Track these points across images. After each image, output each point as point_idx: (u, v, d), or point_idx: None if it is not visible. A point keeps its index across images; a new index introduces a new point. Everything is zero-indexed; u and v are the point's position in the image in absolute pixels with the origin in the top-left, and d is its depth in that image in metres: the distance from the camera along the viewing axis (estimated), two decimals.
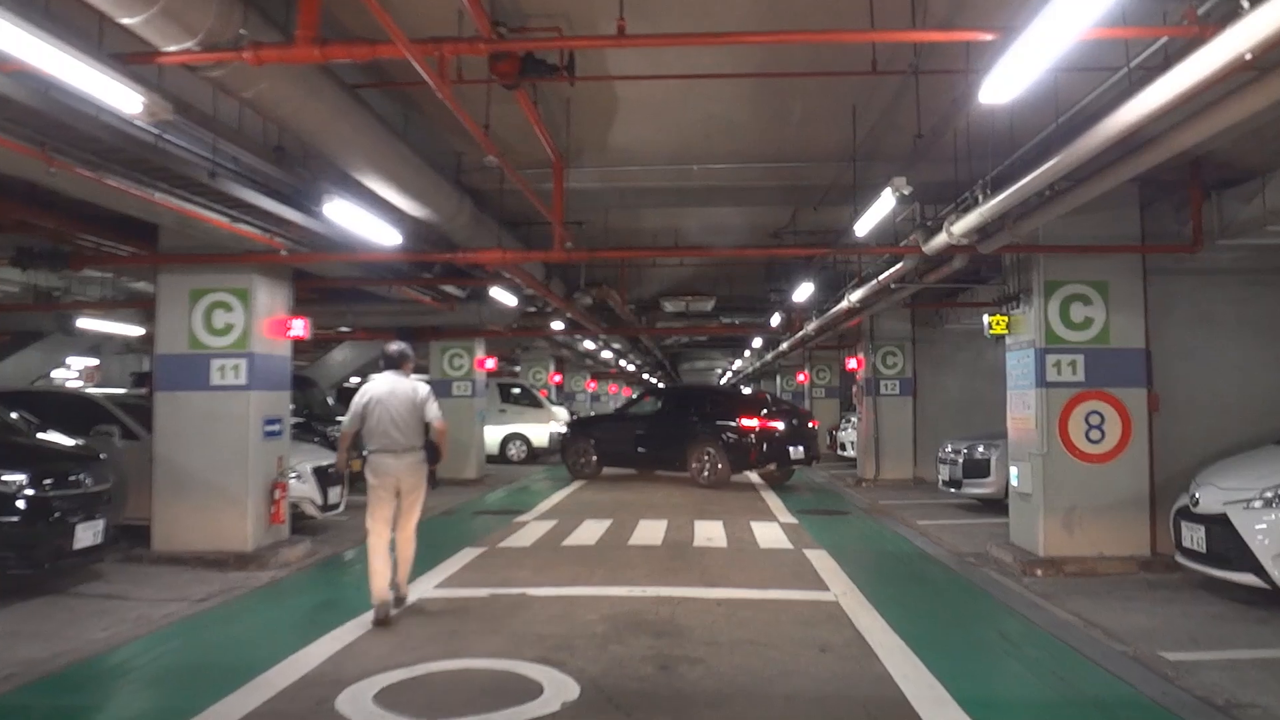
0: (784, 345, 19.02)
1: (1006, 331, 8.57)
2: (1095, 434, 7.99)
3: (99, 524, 7.23)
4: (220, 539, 8.26)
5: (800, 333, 15.60)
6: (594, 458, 16.70)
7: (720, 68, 6.20)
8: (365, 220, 6.47)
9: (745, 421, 14.92)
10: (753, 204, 9.36)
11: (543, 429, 21.43)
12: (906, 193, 6.07)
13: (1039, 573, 7.76)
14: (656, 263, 13.12)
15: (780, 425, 15.06)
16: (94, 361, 20.69)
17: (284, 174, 6.23)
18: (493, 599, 6.94)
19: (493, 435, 21.05)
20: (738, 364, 35.52)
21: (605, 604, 6.65)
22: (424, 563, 8.21)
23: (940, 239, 7.02)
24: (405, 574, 6.57)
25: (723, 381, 56.17)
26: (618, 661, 5.24)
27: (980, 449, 11.70)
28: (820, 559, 8.50)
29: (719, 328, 19.40)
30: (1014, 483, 8.40)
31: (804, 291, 12.17)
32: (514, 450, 21.39)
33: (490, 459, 20.60)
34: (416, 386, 6.45)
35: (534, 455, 21.41)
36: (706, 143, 8.02)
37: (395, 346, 6.65)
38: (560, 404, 27.58)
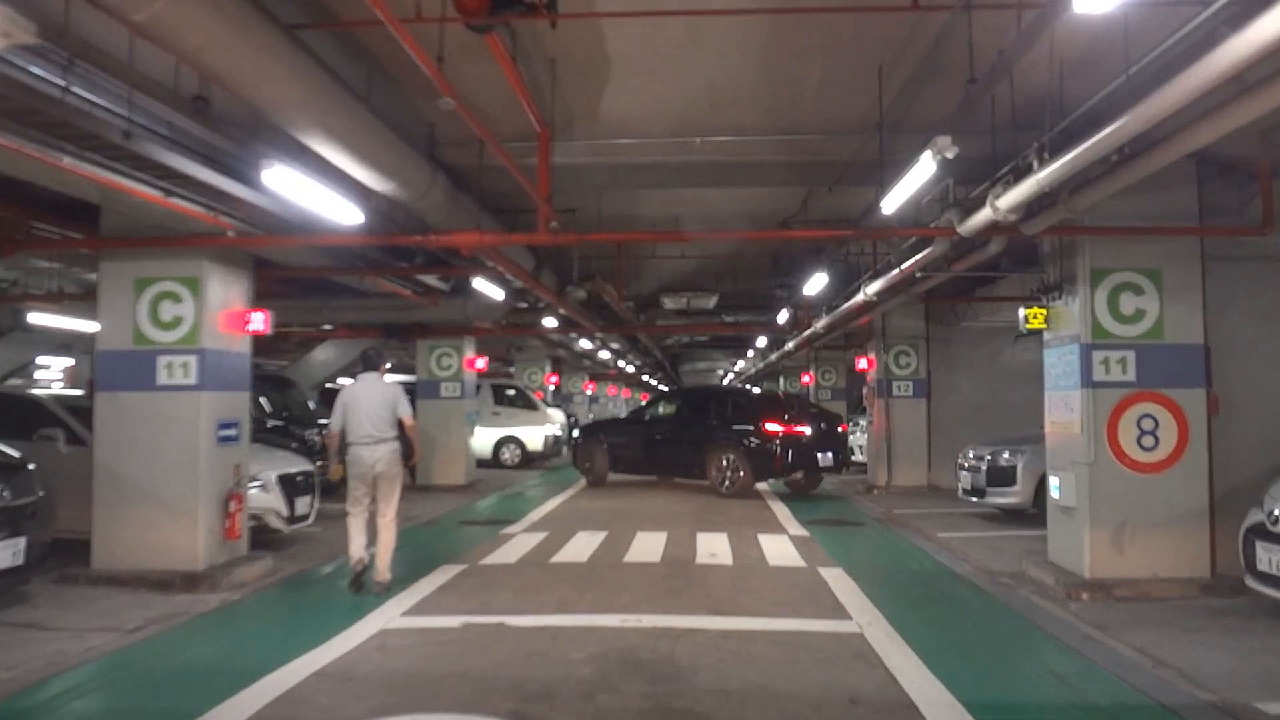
0: (790, 345, 18.13)
1: (1045, 326, 7.69)
2: (1148, 440, 7.10)
3: (19, 542, 6.34)
4: (167, 557, 7.38)
5: (808, 331, 14.71)
6: (607, 463, 15.64)
7: (732, 2, 5.28)
8: (317, 193, 5.59)
9: (769, 425, 13.68)
10: (761, 184, 8.45)
11: (537, 432, 20.57)
12: (950, 155, 5.17)
13: (1085, 597, 6.88)
14: (655, 253, 12.24)
15: (807, 429, 13.87)
16: (71, 361, 19.82)
17: (210, 133, 5.35)
18: (466, 630, 6.04)
19: (486, 439, 20.24)
20: (740, 365, 34.58)
21: (595, 638, 5.76)
22: (397, 582, 7.37)
23: (981, 216, 6.11)
24: (385, 561, 7.30)
25: (725, 384, 55.35)
26: (606, 717, 4.36)
27: (1005, 455, 10.81)
28: (838, 579, 7.61)
29: (721, 326, 18.49)
30: (1054, 495, 7.51)
31: (815, 283, 11.23)
32: (507, 454, 20.53)
33: (483, 464, 19.81)
34: (390, 386, 7.32)
35: (528, 460, 20.57)
36: (710, 113, 7.13)
37: (371, 350, 7.61)
38: (557, 406, 26.76)
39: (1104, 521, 7.07)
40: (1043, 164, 5.16)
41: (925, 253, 8.10)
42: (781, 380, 31.24)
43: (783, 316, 14.62)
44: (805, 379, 24.39)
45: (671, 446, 14.85)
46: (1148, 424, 7.10)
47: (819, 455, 13.93)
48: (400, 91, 6.52)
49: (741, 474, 13.71)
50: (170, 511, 7.40)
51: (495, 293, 10.37)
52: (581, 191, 9.04)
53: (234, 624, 6.44)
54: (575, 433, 17.07)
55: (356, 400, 7.15)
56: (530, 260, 10.25)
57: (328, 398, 16.68)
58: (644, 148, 7.06)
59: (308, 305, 11.95)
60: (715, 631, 5.92)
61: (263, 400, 13.42)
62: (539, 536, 10.02)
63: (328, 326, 15.01)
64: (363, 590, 7.07)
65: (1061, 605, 6.80)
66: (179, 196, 5.73)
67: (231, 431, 7.93)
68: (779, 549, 9.22)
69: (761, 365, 27.90)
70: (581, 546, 9.30)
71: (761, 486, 14.73)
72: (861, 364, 15.83)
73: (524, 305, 12.57)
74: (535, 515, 12.01)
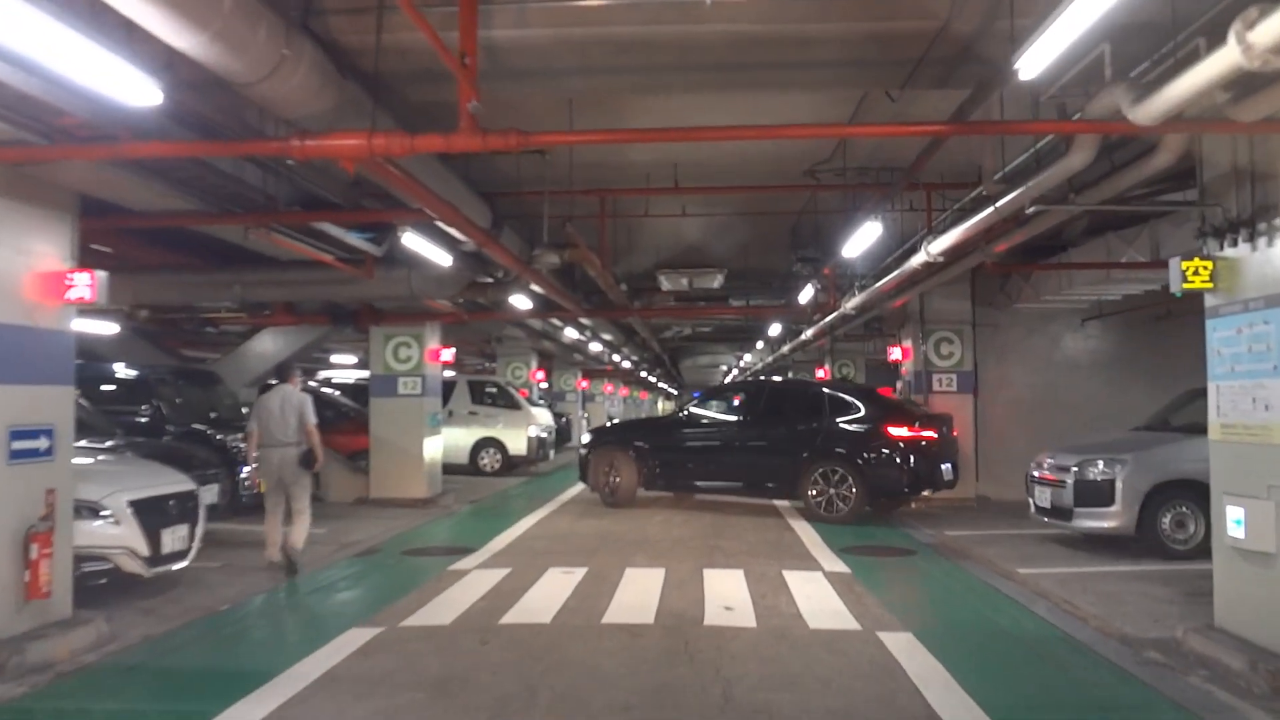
0: (808, 332, 15.71)
1: (1211, 286, 5.27)
2: None
3: None
4: None
5: (834, 314, 12.27)
6: (637, 478, 12.02)
7: None
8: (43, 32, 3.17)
9: (894, 429, 10.62)
10: (798, 84, 5.95)
11: (520, 433, 18.18)
12: None
13: None
14: (649, 209, 9.84)
15: (935, 434, 10.80)
16: None
17: None
18: None
19: (461, 442, 17.95)
20: (748, 358, 32.04)
21: None
22: (279, 652, 5.04)
23: (1184, 86, 3.59)
24: (297, 540, 7.81)
25: (728, 380, 52.67)
26: None
27: (1099, 466, 8.41)
28: (912, 655, 5.22)
29: (730, 310, 15.95)
30: (1234, 533, 5.10)
31: (865, 236, 8.43)
32: (486, 459, 18.17)
33: (459, 469, 17.49)
34: (297, 394, 8.00)
35: (510, 465, 18.20)
36: None
37: (284, 363, 9.17)
38: (545, 403, 24.39)
39: None
40: None
41: (1051, 171, 5.42)
42: (789, 376, 28.81)
43: (806, 295, 12.13)
44: (820, 374, 21.98)
45: (744, 455, 11.53)
46: None
47: (943, 468, 10.87)
48: None
49: (854, 492, 10.61)
50: None
51: (438, 256, 7.96)
52: (544, 101, 6.66)
53: None
54: (585, 439, 13.08)
55: (267, 407, 7.91)
56: (485, 214, 7.86)
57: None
58: (630, 10, 4.63)
59: (216, 281, 9.57)
60: None
61: (162, 401, 11.02)
62: (497, 575, 7.63)
63: (240, 310, 12.60)
64: (297, 574, 7.60)
65: (1266, 707, 4.41)
66: None
67: (39, 443, 5.53)
68: (816, 596, 6.82)
69: (770, 359, 25.47)
70: (549, 593, 6.91)
71: (779, 501, 12.26)
72: (895, 354, 13.42)
73: (489, 280, 10.19)
74: (502, 540, 9.62)
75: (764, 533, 10.08)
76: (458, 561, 8.34)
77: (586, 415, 31.98)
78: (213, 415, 12.18)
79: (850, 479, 10.63)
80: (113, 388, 11.37)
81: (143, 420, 11.01)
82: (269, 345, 13.49)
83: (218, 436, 11.15)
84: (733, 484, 11.78)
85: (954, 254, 7.92)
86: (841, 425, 11.02)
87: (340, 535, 9.96)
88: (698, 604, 6.53)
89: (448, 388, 18.20)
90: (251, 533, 10.17)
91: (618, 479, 12.12)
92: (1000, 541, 9.37)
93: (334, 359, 21.97)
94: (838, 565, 8.11)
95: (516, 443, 18.16)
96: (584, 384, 30.03)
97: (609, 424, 16.31)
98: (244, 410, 12.65)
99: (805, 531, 10.18)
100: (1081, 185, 5.83)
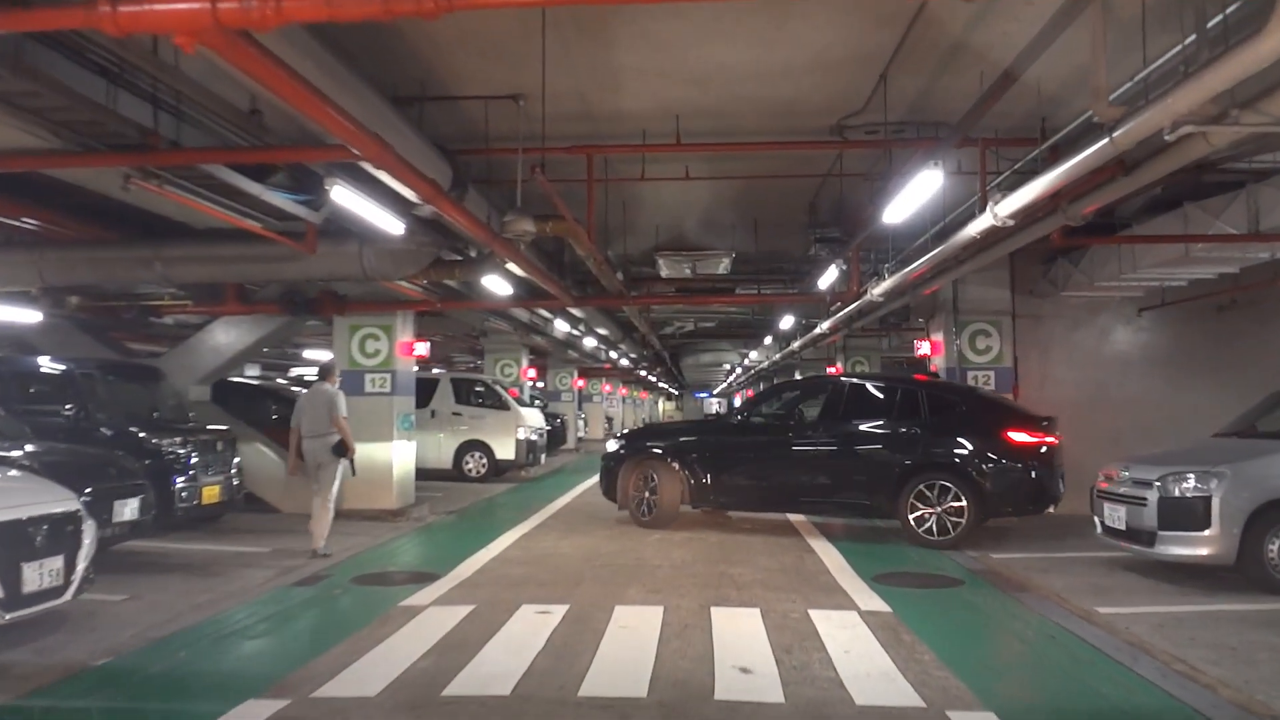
0: (824, 325, 14.22)
1: None
2: None
3: None
4: None
5: (860, 300, 10.77)
6: (681, 493, 9.89)
7: None
8: None
9: (1015, 436, 8.91)
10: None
11: (507, 437, 16.77)
12: None
13: None
14: (646, 169, 8.30)
15: (1057, 439, 9.10)
16: None
17: None
18: None
19: (445, 445, 16.62)
20: (754, 355, 30.44)
21: None
22: None
23: None
24: (318, 532, 8.45)
25: (730, 381, 51.13)
26: None
27: (1190, 481, 6.94)
28: None
29: (739, 298, 14.38)
30: None
31: (919, 191, 6.57)
32: (471, 464, 16.78)
33: (442, 475, 16.09)
34: (331, 390, 8.68)
35: (498, 470, 16.80)
36: None
37: (325, 364, 9.26)
38: (541, 404, 23.00)
39: None
40: None
41: (1223, 65, 3.69)
42: (797, 375, 27.33)
43: (828, 278, 10.54)
44: (832, 371, 20.51)
45: (821, 468, 9.53)
46: None
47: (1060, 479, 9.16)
48: None
49: (966, 511, 8.80)
50: None
51: (385, 220, 6.48)
52: (509, 24, 5.22)
53: None
54: (611, 445, 11.08)
55: (306, 405, 8.64)
56: (444, 172, 6.39)
57: (226, 393, 12.95)
58: None
59: (126, 256, 8.11)
60: None
61: (89, 399, 9.57)
62: (457, 614, 6.17)
63: (162, 293, 11.19)
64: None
65: None
66: None
67: None
68: (856, 649, 5.35)
69: (778, 357, 23.95)
70: (517, 643, 5.44)
71: (799, 520, 10.77)
72: (923, 349, 11.95)
73: (456, 258, 8.73)
74: (473, 563, 8.17)
75: (779, 555, 8.61)
76: (414, 594, 6.89)
77: (583, 416, 30.55)
78: (155, 415, 10.76)
79: (962, 494, 8.81)
80: (30, 384, 9.91)
81: (64, 421, 9.57)
82: (221, 338, 12.01)
83: (152, 440, 9.69)
84: (808, 502, 9.85)
85: (1027, 216, 6.44)
86: (948, 430, 9.16)
87: (285, 556, 8.56)
88: (705, 662, 5.06)
89: (430, 386, 16.87)
90: (185, 553, 8.76)
91: (656, 494, 9.97)
92: (1060, 568, 7.92)
93: (307, 354, 20.53)
94: (874, 601, 6.64)
95: (504, 446, 16.79)
96: (580, 383, 28.58)
97: (641, 426, 13.36)
98: (183, 405, 11.32)
99: (827, 553, 8.72)
100: (1250, 98, 4.20)
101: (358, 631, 5.78)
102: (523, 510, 12.04)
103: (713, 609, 6.33)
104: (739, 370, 40.50)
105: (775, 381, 11.04)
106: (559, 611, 6.24)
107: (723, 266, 11.69)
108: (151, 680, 4.96)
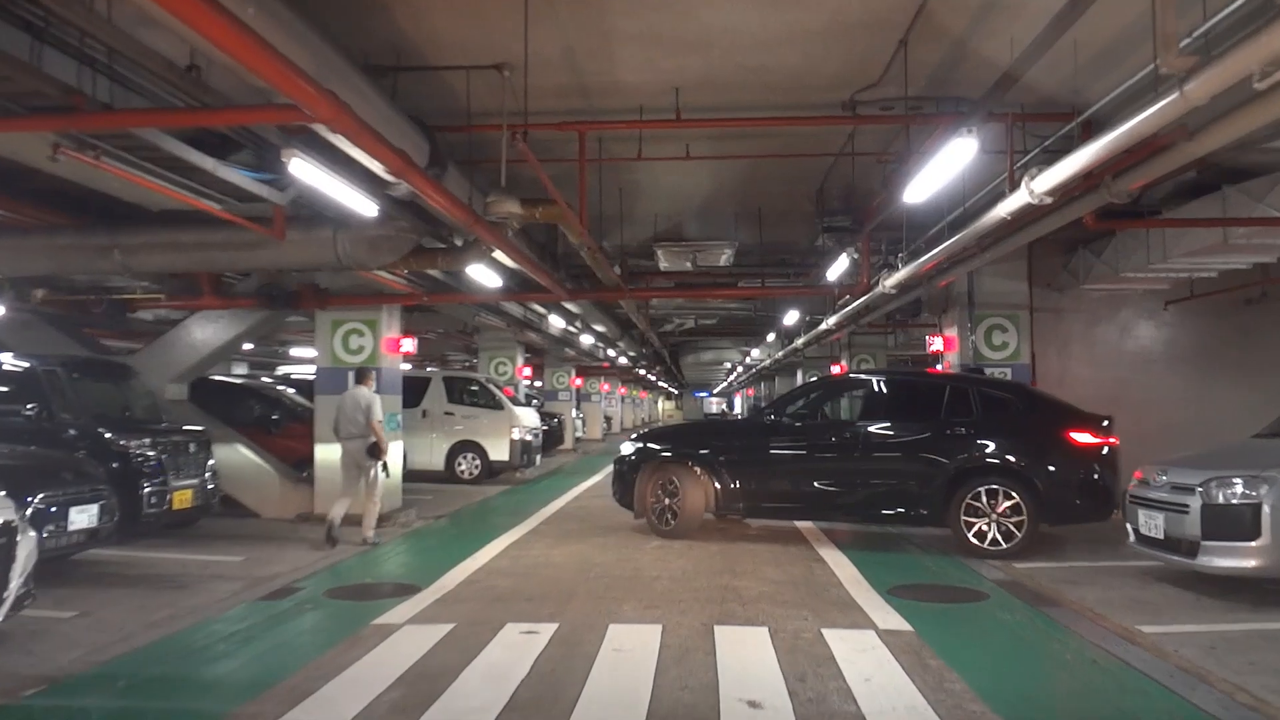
0: (830, 320, 13.62)
1: None
2: None
3: None
4: None
5: (871, 293, 10.17)
6: (706, 499, 9.05)
7: None
8: None
9: (1078, 436, 8.25)
10: None
11: (501, 437, 16.21)
12: None
13: None
14: (644, 148, 7.65)
15: (1116, 442, 8.48)
16: None
17: None
18: None
19: (436, 445, 16.12)
20: (755, 353, 29.79)
21: None
22: None
23: None
24: (367, 523, 9.10)
25: (730, 380, 50.51)
26: None
27: (1237, 486, 6.36)
28: None
29: (741, 291, 13.71)
30: None
31: (948, 163, 5.77)
32: (464, 465, 16.23)
33: (434, 476, 15.53)
34: (366, 394, 9.16)
35: (491, 471, 16.24)
36: None
37: (361, 369, 9.73)
38: (538, 402, 22.46)
39: None
40: None
41: None
42: (800, 375, 26.75)
43: (838, 268, 9.86)
44: (836, 370, 19.93)
45: (863, 472, 8.69)
46: None
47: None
48: None
49: (1024, 520, 8.10)
50: None
51: (354, 200, 5.88)
52: None
53: None
54: (626, 448, 9.96)
55: (342, 405, 9.17)
56: (420, 149, 5.80)
57: (206, 391, 12.36)
58: None
59: (83, 244, 7.50)
60: None
61: (53, 397, 9.00)
62: (434, 635, 5.59)
63: (128, 287, 10.64)
64: (335, 545, 8.71)
65: None
66: None
67: None
68: (878, 677, 4.76)
69: (780, 355, 23.37)
70: (497, 671, 4.86)
71: (806, 526, 10.16)
72: (936, 344, 11.37)
73: (439, 245, 8.14)
74: (457, 574, 7.60)
75: (787, 564, 8.03)
76: (390, 610, 6.32)
77: (581, 416, 29.97)
78: (126, 415, 10.19)
79: (1021, 501, 8.10)
80: None
81: (24, 422, 8.98)
82: (198, 334, 11.43)
83: (119, 441, 9.11)
84: (849, 509, 8.94)
85: (1065, 194, 5.83)
86: (1003, 430, 8.46)
87: (258, 566, 7.98)
88: (709, 694, 4.48)
89: (421, 385, 16.34)
90: (151, 563, 8.16)
91: (679, 501, 9.09)
92: (1090, 579, 7.35)
93: (294, 352, 19.94)
94: (893, 619, 6.05)
95: (498, 447, 16.24)
96: (578, 382, 28.00)
97: (661, 427, 12.11)
98: (165, 411, 10.75)
99: (838, 562, 8.13)
100: None
101: (322, 655, 5.21)
102: (515, 515, 11.47)
103: (716, 628, 5.75)
104: (740, 369, 39.92)
105: (811, 377, 10.00)
106: (547, 631, 5.66)
107: (725, 258, 11.11)
108: (85, 715, 4.39)
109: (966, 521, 8.23)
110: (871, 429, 8.84)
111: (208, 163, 5.24)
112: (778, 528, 9.94)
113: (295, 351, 20.05)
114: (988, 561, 8.10)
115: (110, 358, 11.52)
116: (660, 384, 47.91)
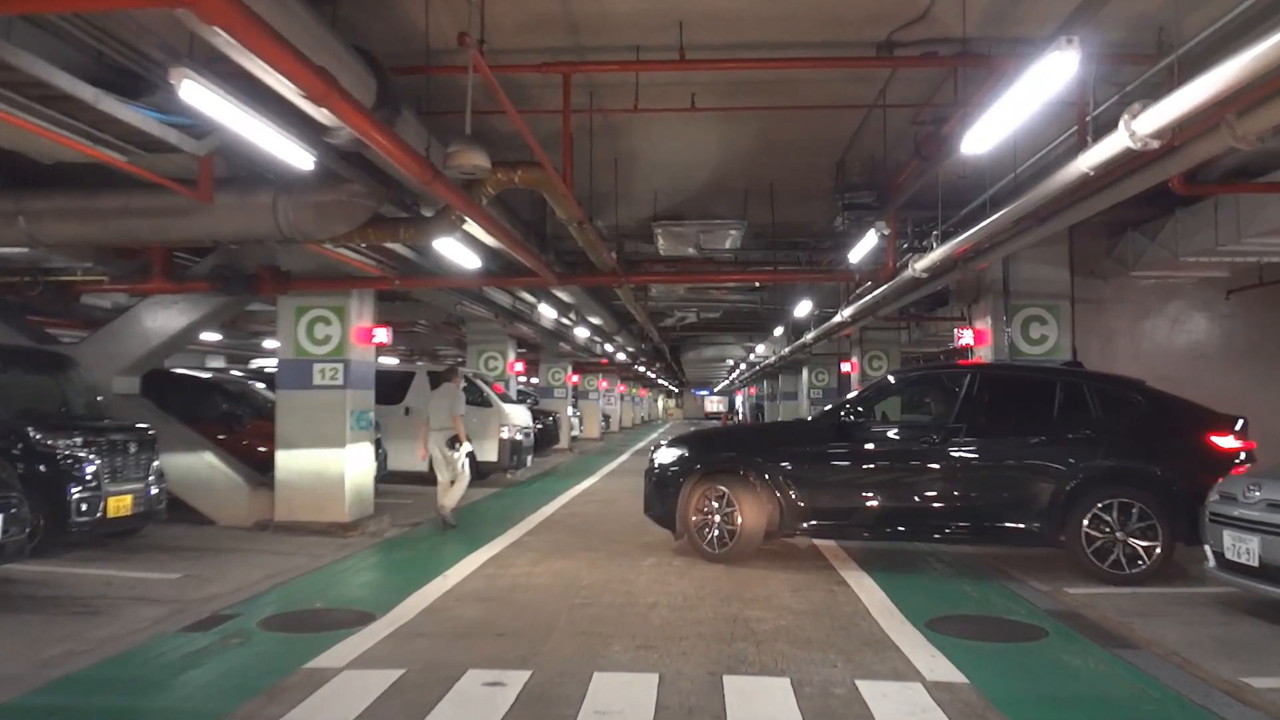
0: (846, 311, 12.49)
1: None
2: None
3: None
4: None
5: (899, 277, 9.04)
6: (768, 515, 7.69)
7: None
8: None
9: (1220, 441, 7.15)
10: None
11: (489, 437, 15.14)
12: None
13: None
14: (641, 98, 6.50)
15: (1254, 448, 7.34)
16: None
17: None
18: None
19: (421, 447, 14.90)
20: (760, 349, 28.60)
21: None
22: None
23: None
24: (452, 501, 10.08)
25: (731, 379, 49.37)
26: None
27: None
28: None
29: (750, 274, 12.48)
30: None
31: (1035, 90, 4.40)
32: None
33: (416, 478, 14.35)
34: (452, 391, 10.25)
35: (479, 472, 15.07)
36: None
37: (449, 366, 11.90)
38: (529, 399, 21.39)
39: None
40: None
41: None
42: (805, 373, 25.67)
43: (863, 248, 8.65)
44: (846, 367, 18.85)
45: (961, 482, 7.45)
46: None
47: None
48: None
49: (1159, 540, 6.92)
50: None
51: (281, 146, 4.76)
52: None
53: None
54: (662, 455, 8.51)
55: (433, 401, 10.34)
56: (364, 81, 4.70)
57: (163, 385, 11.27)
58: None
59: None
60: None
61: None
62: (373, 688, 4.49)
63: (148, 274, 9.62)
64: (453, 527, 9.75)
65: None
66: None
67: None
68: None
69: (787, 351, 22.25)
70: None
71: (824, 543, 8.95)
72: (965, 337, 10.27)
73: (402, 215, 7.03)
74: (418, 599, 6.51)
75: (805, 589, 6.93)
76: (331, 647, 5.24)
77: (578, 414, 28.89)
78: (63, 410, 9.11)
79: (1155, 517, 6.91)
80: None
81: None
82: (149, 321, 10.35)
83: (45, 441, 8.04)
84: (947, 527, 7.58)
85: (1179, 136, 4.70)
86: (1129, 433, 7.40)
87: (194, 586, 6.93)
88: None
89: (404, 380, 15.28)
90: (70, 581, 7.06)
91: (735, 519, 7.66)
92: (1161, 610, 6.27)
93: (268, 344, 18.84)
94: (941, 665, 4.96)
95: (485, 447, 15.11)
96: (575, 379, 26.92)
97: (709, 430, 10.35)
98: (109, 406, 9.66)
99: (863, 586, 7.03)
100: None
101: (233, 712, 4.12)
102: (498, 523, 10.39)
103: (725, 678, 4.65)
104: (743, 366, 38.82)
105: (894, 373, 8.81)
106: (515, 682, 4.56)
107: (731, 240, 10.01)
108: None
109: (1089, 535, 7.00)
110: (970, 432, 7.56)
111: (87, 93, 4.15)
112: (789, 542, 8.83)
113: (269, 344, 18.94)
114: (1030, 584, 7.02)
115: (46, 348, 10.41)
116: (660, 381, 46.84)
